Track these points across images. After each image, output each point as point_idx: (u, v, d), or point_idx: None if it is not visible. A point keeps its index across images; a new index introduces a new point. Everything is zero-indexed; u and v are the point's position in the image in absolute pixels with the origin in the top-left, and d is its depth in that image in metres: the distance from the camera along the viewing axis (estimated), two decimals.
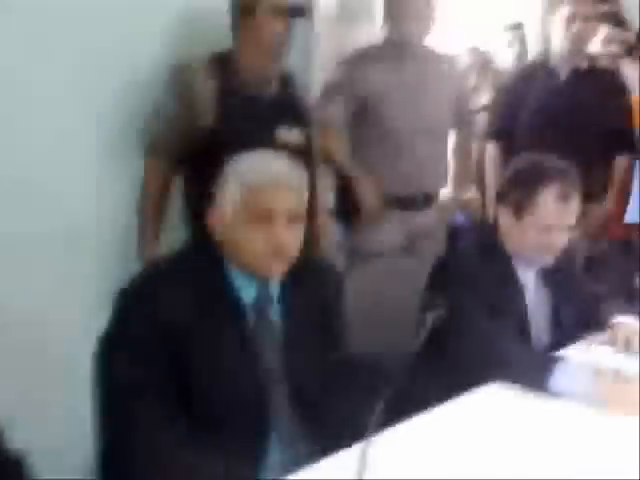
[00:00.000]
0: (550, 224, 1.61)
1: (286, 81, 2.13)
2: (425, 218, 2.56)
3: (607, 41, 3.18)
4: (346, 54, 2.57)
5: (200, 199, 1.49)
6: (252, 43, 1.98)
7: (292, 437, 1.35)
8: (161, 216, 2.07)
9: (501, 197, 1.71)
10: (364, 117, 2.48)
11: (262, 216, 1.33)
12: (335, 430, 1.30)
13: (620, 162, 2.81)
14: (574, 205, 1.63)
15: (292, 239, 1.36)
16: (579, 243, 2.58)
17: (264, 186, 1.33)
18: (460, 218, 3.03)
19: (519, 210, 1.64)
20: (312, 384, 1.38)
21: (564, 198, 1.60)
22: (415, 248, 2.54)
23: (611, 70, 2.98)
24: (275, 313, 1.40)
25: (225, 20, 2.01)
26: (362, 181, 2.46)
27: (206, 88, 1.97)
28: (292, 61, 2.49)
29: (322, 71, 2.73)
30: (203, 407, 1.30)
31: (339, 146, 2.51)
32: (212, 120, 1.97)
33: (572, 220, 1.64)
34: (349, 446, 1.16)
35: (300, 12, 2.07)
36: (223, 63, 2.01)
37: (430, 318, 1.06)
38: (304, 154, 2.09)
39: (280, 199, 1.34)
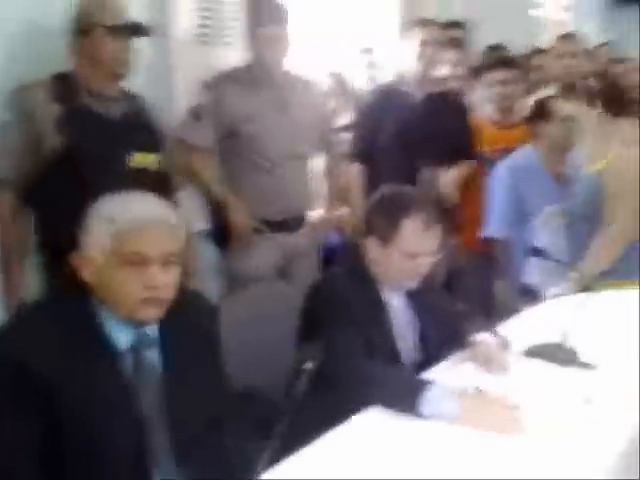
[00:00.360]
0: (414, 252, 1.70)
1: (135, 102, 2.11)
2: (297, 239, 2.61)
3: (454, 65, 3.41)
4: (211, 76, 2.57)
5: (58, 239, 1.44)
6: (91, 63, 2.00)
7: None
8: (21, 254, 1.97)
9: (367, 225, 1.79)
10: (231, 140, 2.50)
11: (134, 261, 1.30)
12: (223, 472, 1.30)
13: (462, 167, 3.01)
14: (437, 232, 1.74)
15: (168, 281, 1.34)
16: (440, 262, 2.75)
17: (135, 230, 1.31)
18: (334, 238, 3.10)
19: (384, 239, 1.72)
20: (196, 427, 1.37)
21: (426, 227, 1.71)
22: (291, 270, 2.60)
23: (456, 93, 3.20)
24: (154, 357, 1.38)
25: (65, 40, 2.01)
26: (233, 204, 2.48)
27: (48, 109, 1.94)
28: (149, 83, 2.47)
29: (182, 93, 2.71)
30: (78, 462, 1.26)
31: (209, 169, 2.51)
32: (59, 143, 1.92)
33: (435, 246, 1.74)
34: None
35: (141, 31, 2.08)
36: (64, 83, 1.99)
37: (306, 372, 1.08)
38: (161, 178, 2.08)
39: (153, 243, 1.32)
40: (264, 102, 2.51)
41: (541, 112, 2.84)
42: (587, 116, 2.54)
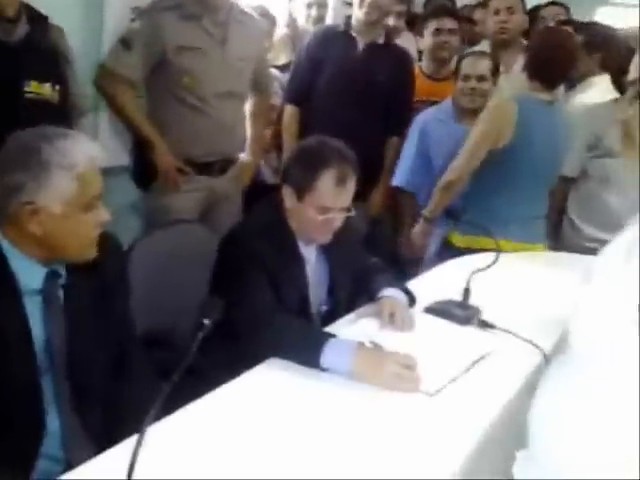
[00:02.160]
0: (328, 206, 1.72)
1: (39, 25, 2.02)
2: (223, 184, 2.58)
3: (396, 16, 3.37)
4: (146, 3, 2.46)
5: None
6: None
7: (72, 430, 1.36)
8: None
9: (285, 176, 1.79)
10: (161, 73, 2.41)
11: (93, 204, 1.33)
12: (122, 418, 1.33)
13: (391, 143, 3.03)
14: (351, 188, 1.76)
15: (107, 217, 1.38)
16: (358, 219, 2.79)
17: (94, 173, 1.33)
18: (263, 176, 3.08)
19: (300, 191, 1.73)
20: (96, 370, 1.39)
21: (342, 182, 1.72)
22: (213, 214, 2.58)
23: (403, 48, 3.17)
24: (61, 297, 1.38)
25: None
26: (157, 142, 2.42)
27: None
28: (82, 13, 2.36)
29: (114, 19, 2.61)
30: None
31: (135, 102, 2.43)
32: None
33: (348, 202, 1.76)
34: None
35: None
36: None
37: (203, 327, 1.11)
38: (58, 109, 2.02)
39: (100, 183, 1.35)
40: (202, 34, 2.42)
41: (456, 68, 2.88)
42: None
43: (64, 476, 1.13)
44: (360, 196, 2.85)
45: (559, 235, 2.89)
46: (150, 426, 1.00)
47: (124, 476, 0.96)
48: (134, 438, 1.01)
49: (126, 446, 1.15)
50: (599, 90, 2.99)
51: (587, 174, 2.78)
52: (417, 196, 2.95)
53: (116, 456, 1.15)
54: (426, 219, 2.63)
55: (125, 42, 2.38)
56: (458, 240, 2.59)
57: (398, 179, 2.97)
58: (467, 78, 2.80)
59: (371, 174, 2.93)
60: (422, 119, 2.93)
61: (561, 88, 3.04)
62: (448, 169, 2.53)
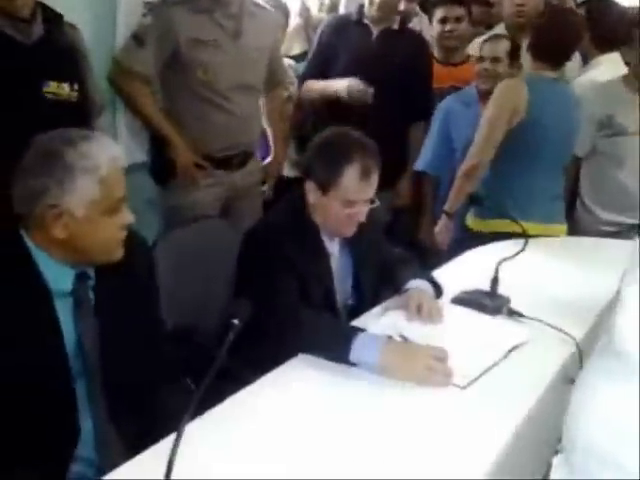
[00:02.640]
0: (353, 200, 1.70)
1: (54, 24, 2.00)
2: (243, 178, 2.57)
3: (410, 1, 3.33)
4: None
5: None
6: None
7: (106, 433, 1.36)
8: None
9: (308, 170, 1.77)
10: (175, 68, 2.39)
11: (117, 207, 1.33)
12: (154, 422, 1.32)
13: (415, 129, 3.02)
14: (375, 180, 1.73)
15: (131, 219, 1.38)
16: (381, 208, 2.77)
17: (117, 175, 1.32)
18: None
19: (324, 186, 1.71)
20: (130, 375, 1.38)
21: (366, 174, 1.70)
22: (233, 209, 2.57)
23: (418, 32, 3.14)
24: (92, 299, 1.38)
25: None
26: (174, 138, 2.41)
27: None
28: (94, 8, 2.34)
29: (126, 16, 2.58)
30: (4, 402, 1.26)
31: (150, 98, 2.42)
32: None
33: (372, 194, 1.74)
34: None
35: None
36: None
37: (233, 328, 1.10)
38: (78, 108, 2.01)
39: (124, 184, 1.34)
40: (215, 27, 2.40)
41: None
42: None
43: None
44: (383, 185, 2.88)
45: (573, 216, 2.86)
46: (187, 425, 1.00)
47: (161, 476, 0.95)
48: (169, 438, 1.00)
49: (162, 447, 1.16)
50: (609, 67, 2.95)
51: (597, 153, 2.76)
52: (440, 181, 2.93)
53: (153, 457, 1.15)
54: (448, 214, 2.58)
55: (138, 38, 2.37)
56: (478, 224, 2.56)
57: (421, 164, 2.95)
58: (481, 60, 2.81)
59: (394, 162, 2.91)
60: (445, 104, 2.92)
61: (577, 64, 3.01)
62: (467, 157, 2.48)
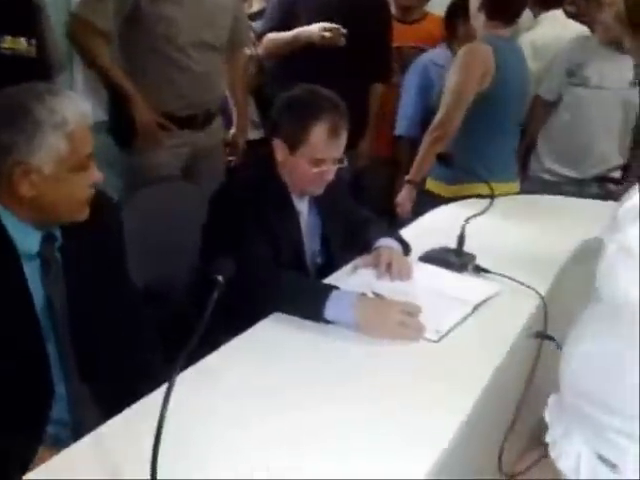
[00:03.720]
0: (321, 158, 1.69)
1: None
2: (206, 138, 2.53)
3: None
4: None
5: None
6: None
7: (78, 394, 1.34)
8: None
9: (275, 128, 1.75)
10: (135, 23, 2.32)
11: (85, 163, 1.29)
12: (130, 382, 1.31)
13: (375, 89, 3.00)
14: (343, 138, 1.73)
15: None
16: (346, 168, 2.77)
17: (84, 131, 1.28)
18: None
19: (292, 144, 1.70)
20: (101, 336, 1.37)
21: (335, 132, 1.69)
22: (197, 169, 2.53)
23: None
24: (59, 259, 1.35)
25: None
26: (134, 97, 2.34)
27: None
28: None
29: None
30: None
31: (109, 53, 2.34)
32: None
33: (341, 152, 1.74)
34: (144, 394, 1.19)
35: None
36: None
37: (217, 285, 1.09)
38: (37, 64, 1.94)
39: (91, 141, 1.30)
40: None
41: (456, 11, 2.83)
42: None
43: (82, 441, 1.11)
44: (349, 145, 2.87)
45: (525, 169, 2.94)
46: (178, 375, 0.99)
47: (153, 428, 0.95)
48: (155, 395, 0.98)
49: (147, 403, 1.17)
50: (553, 24, 3.05)
51: (559, 102, 2.83)
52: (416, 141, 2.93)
53: (138, 413, 1.16)
54: (411, 182, 2.55)
55: None
56: (443, 190, 2.56)
57: (400, 128, 2.94)
58: None
59: (354, 122, 2.89)
60: (419, 67, 2.90)
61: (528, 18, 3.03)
62: (434, 124, 2.46)
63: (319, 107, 1.69)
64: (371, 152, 3.06)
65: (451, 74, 2.45)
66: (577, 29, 3.02)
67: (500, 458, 1.74)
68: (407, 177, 2.55)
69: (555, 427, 1.23)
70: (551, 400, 1.23)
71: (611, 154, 2.82)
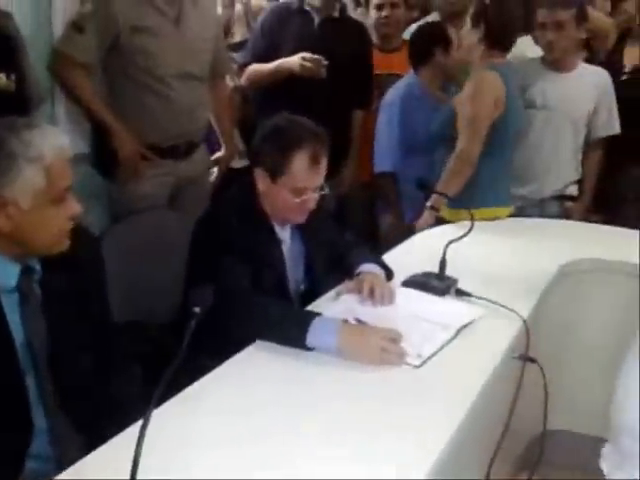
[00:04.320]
0: (302, 187, 1.71)
1: None
2: (189, 167, 2.54)
3: None
4: None
5: None
6: None
7: (60, 427, 1.34)
8: None
9: (256, 157, 1.77)
10: (116, 55, 2.34)
11: (63, 196, 1.29)
12: (109, 413, 1.31)
13: (357, 116, 3.05)
14: (324, 166, 1.75)
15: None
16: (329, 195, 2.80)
17: (62, 164, 1.28)
18: None
19: (273, 173, 1.71)
20: (81, 369, 1.37)
21: (316, 161, 1.71)
22: (182, 199, 2.54)
23: (359, 22, 3.16)
24: (39, 293, 1.35)
25: None
26: (116, 128, 2.36)
27: None
28: None
29: (64, 4, 2.51)
30: None
31: (91, 87, 2.36)
32: None
33: (322, 180, 1.75)
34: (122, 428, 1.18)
35: None
36: None
37: (195, 316, 1.09)
38: (16, 100, 1.95)
39: (70, 173, 1.31)
40: (155, 13, 2.35)
41: (427, 39, 2.87)
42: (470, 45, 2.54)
43: (61, 475, 1.11)
44: (331, 173, 2.89)
45: None
46: (155, 410, 0.99)
47: (129, 464, 0.94)
48: (132, 429, 0.98)
49: (124, 437, 1.16)
50: (528, 47, 3.08)
51: None
52: (398, 176, 2.96)
53: (115, 447, 1.15)
54: (433, 208, 2.52)
55: (77, 25, 2.31)
56: (447, 214, 2.54)
57: (381, 165, 2.96)
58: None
59: (336, 150, 2.92)
60: (392, 99, 2.93)
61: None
62: (454, 156, 2.46)
63: (299, 136, 1.70)
64: (353, 178, 3.08)
65: (464, 105, 2.47)
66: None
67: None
68: (429, 203, 2.52)
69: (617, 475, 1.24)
70: (606, 450, 1.26)
71: (567, 171, 2.87)
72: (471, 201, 2.26)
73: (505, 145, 2.57)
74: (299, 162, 1.69)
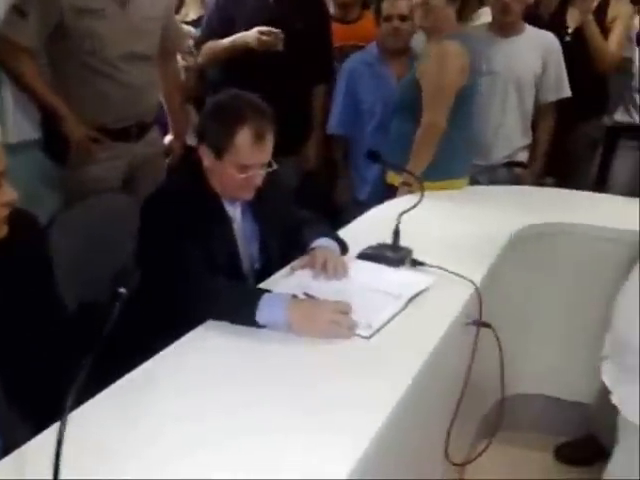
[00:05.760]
0: (247, 164, 1.69)
1: None
2: (142, 149, 2.51)
3: None
4: None
5: None
6: None
7: (5, 416, 1.32)
8: None
9: (202, 135, 1.75)
10: (61, 39, 2.29)
11: None
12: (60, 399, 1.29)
13: (319, 91, 3.02)
14: (269, 143, 1.72)
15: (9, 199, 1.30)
16: (291, 173, 2.78)
17: None
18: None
19: (218, 150, 1.69)
20: (26, 356, 1.34)
21: (259, 137, 1.68)
22: (136, 181, 2.51)
23: None
24: None
25: None
26: (64, 113, 2.31)
27: None
28: None
29: None
30: None
31: (36, 71, 2.31)
32: None
33: (268, 157, 1.73)
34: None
35: None
36: None
37: (120, 297, 1.07)
38: None
39: (3, 160, 1.26)
40: None
41: (376, 10, 2.86)
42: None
43: None
44: (292, 149, 2.88)
45: None
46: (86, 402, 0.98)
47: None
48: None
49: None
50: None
51: None
52: (351, 142, 2.95)
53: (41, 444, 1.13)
54: (406, 184, 2.46)
55: (19, 9, 2.26)
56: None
57: (330, 127, 2.96)
58: (389, 19, 2.81)
59: (299, 126, 2.91)
60: (349, 65, 2.92)
61: None
62: (421, 129, 2.42)
63: (242, 112, 1.68)
64: (318, 153, 3.06)
65: (427, 74, 2.42)
66: None
67: (446, 448, 1.76)
68: (401, 179, 2.49)
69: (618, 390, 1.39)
70: (605, 366, 1.44)
71: (514, 136, 2.87)
72: (438, 172, 2.25)
73: (470, 114, 2.56)
74: (242, 138, 1.67)
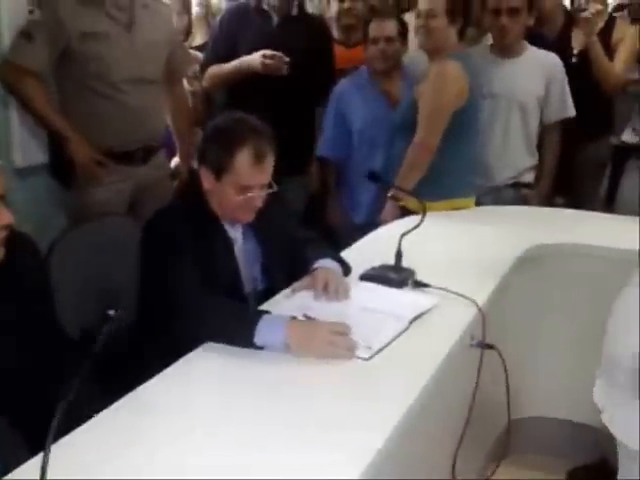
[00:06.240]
0: (246, 185, 1.69)
1: None
2: (148, 172, 2.52)
3: None
4: None
5: None
6: None
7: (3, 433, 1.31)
8: None
9: (202, 157, 1.75)
10: (68, 63, 2.32)
11: None
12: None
13: (321, 113, 3.02)
14: (269, 164, 1.72)
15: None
16: (296, 194, 2.78)
17: None
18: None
19: (218, 171, 1.69)
20: (22, 381, 1.34)
21: (259, 159, 1.68)
22: (141, 204, 2.51)
23: (319, 17, 3.14)
24: None
25: None
26: (70, 136, 2.33)
27: None
28: None
29: (11, 14, 2.49)
30: None
31: (44, 95, 2.34)
32: None
33: (267, 179, 1.73)
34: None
35: None
36: None
37: (110, 320, 1.06)
38: None
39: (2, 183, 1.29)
40: (106, 19, 2.34)
41: (364, 33, 2.87)
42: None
43: None
44: (295, 170, 2.88)
45: None
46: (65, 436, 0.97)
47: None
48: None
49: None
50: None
51: None
52: (340, 163, 2.95)
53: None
54: (394, 198, 2.48)
55: (26, 34, 2.29)
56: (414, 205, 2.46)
57: (321, 149, 2.97)
58: (375, 41, 2.81)
59: (303, 147, 2.92)
60: (339, 88, 2.93)
61: None
62: (411, 147, 2.43)
63: (242, 134, 1.68)
64: (318, 175, 3.06)
65: (424, 94, 2.43)
66: None
67: (453, 471, 1.72)
68: (390, 193, 2.49)
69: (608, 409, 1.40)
70: (598, 385, 1.42)
71: (519, 157, 2.85)
72: (440, 192, 2.23)
73: (472, 134, 2.55)
74: (242, 159, 1.66)
